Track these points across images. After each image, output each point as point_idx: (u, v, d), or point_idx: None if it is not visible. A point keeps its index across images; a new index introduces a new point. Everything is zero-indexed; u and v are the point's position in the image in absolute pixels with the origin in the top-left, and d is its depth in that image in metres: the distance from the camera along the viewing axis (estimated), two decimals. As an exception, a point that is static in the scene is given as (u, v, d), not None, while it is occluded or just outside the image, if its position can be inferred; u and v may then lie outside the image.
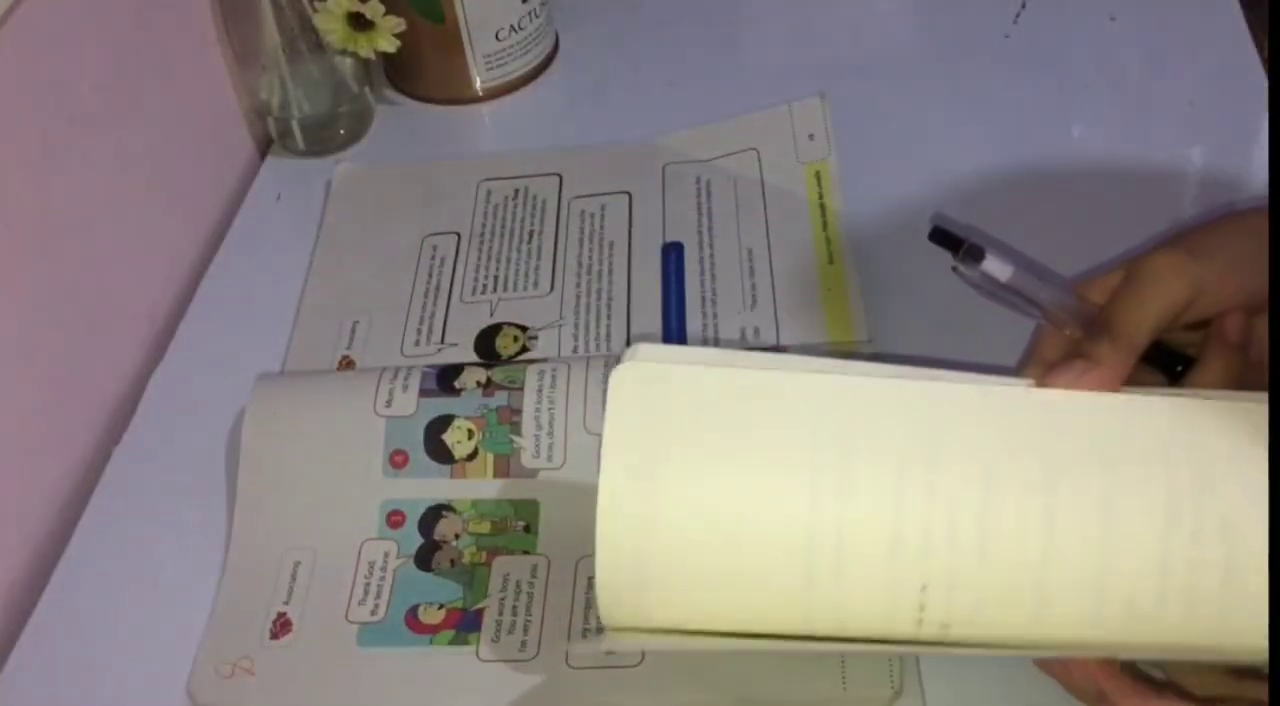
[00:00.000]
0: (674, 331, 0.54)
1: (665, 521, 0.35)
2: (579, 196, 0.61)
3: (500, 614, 0.45)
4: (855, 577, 0.35)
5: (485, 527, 0.47)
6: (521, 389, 0.48)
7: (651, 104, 0.67)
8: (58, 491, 0.53)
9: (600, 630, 0.43)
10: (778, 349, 0.52)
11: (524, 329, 0.55)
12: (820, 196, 0.59)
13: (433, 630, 0.45)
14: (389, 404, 0.49)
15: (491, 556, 0.47)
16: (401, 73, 0.70)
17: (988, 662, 0.41)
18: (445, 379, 0.49)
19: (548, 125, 0.67)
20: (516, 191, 0.62)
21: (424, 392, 0.49)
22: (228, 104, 0.67)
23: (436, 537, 0.47)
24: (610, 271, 0.57)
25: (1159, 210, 0.56)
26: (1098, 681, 0.37)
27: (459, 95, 0.69)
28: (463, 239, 0.60)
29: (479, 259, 0.59)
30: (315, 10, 0.63)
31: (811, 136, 0.61)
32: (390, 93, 0.71)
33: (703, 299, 0.55)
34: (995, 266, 0.38)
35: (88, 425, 0.55)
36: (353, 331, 0.56)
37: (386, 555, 0.47)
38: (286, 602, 0.46)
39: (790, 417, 0.36)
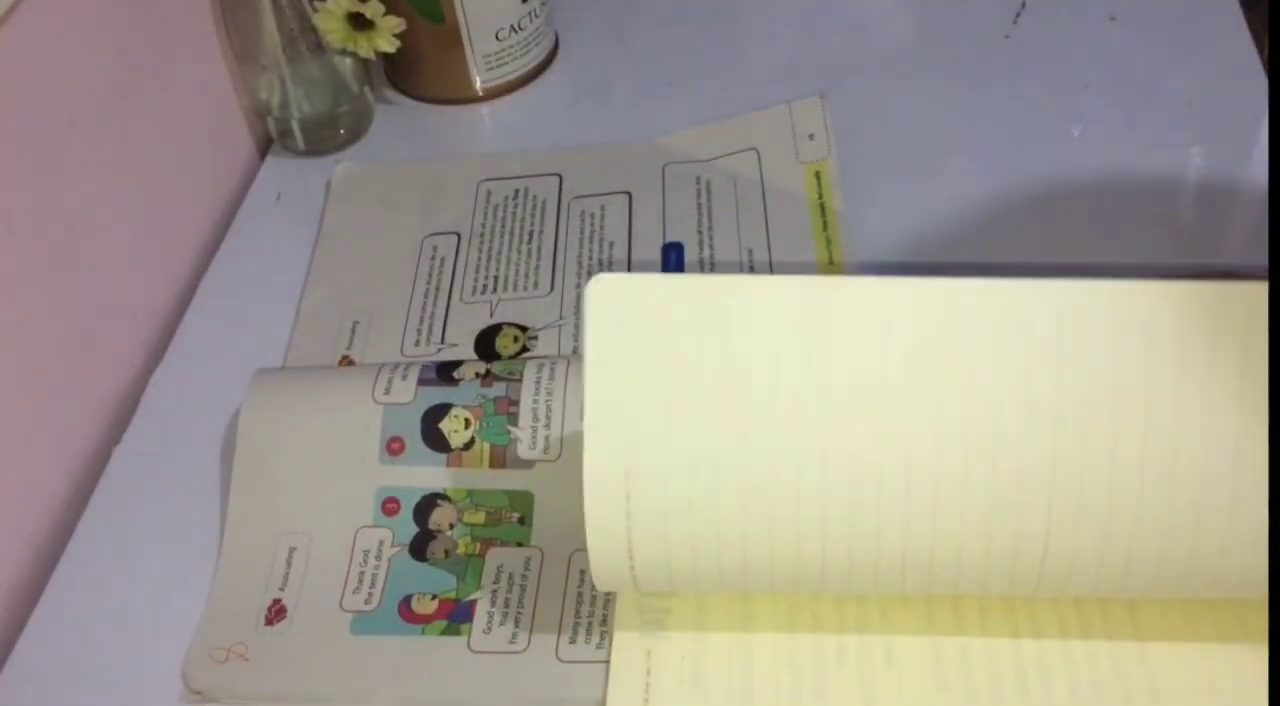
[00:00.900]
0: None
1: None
2: (579, 196, 0.61)
3: (493, 605, 0.45)
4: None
5: (480, 518, 0.47)
6: (519, 380, 0.49)
7: (651, 104, 0.67)
8: (58, 491, 0.53)
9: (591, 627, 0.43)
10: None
11: (524, 329, 0.55)
12: (820, 196, 0.59)
13: (425, 620, 0.45)
14: (387, 391, 0.49)
15: (486, 547, 0.47)
16: (401, 73, 0.70)
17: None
18: (445, 370, 0.49)
19: (548, 125, 0.67)
20: (516, 191, 0.62)
21: (422, 382, 0.49)
22: (228, 104, 0.67)
23: (431, 526, 0.47)
24: (610, 271, 0.57)
25: (1159, 210, 0.56)
26: None
27: (459, 95, 0.69)
28: (463, 239, 0.60)
29: (479, 259, 0.59)
30: (315, 10, 0.63)
31: (811, 136, 0.61)
32: (390, 93, 0.71)
33: (703, 299, 0.55)
34: None
35: (88, 425, 0.55)
36: (353, 331, 0.56)
37: (381, 543, 0.47)
38: (282, 589, 0.47)
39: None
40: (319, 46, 0.64)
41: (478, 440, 0.48)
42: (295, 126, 0.66)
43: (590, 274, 0.57)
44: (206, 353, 0.57)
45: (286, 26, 0.63)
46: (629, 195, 0.61)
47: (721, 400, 0.38)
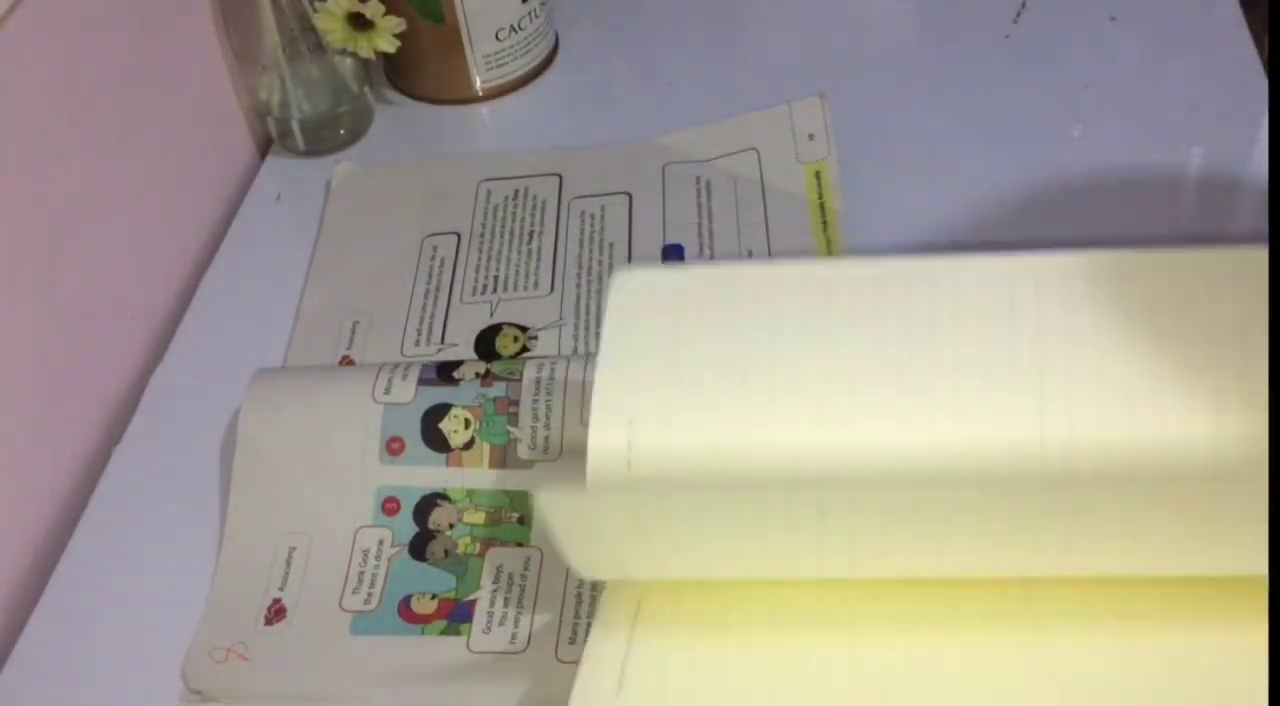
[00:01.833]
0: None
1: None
2: (579, 197, 0.61)
3: (492, 606, 0.45)
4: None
5: (480, 518, 0.47)
6: (519, 380, 0.49)
7: (651, 104, 0.67)
8: (58, 491, 0.53)
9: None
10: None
11: (524, 329, 0.55)
12: (820, 196, 0.59)
13: (425, 620, 0.45)
14: (387, 391, 0.49)
15: (485, 547, 0.47)
16: (401, 73, 0.70)
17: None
18: (445, 370, 0.49)
19: (548, 125, 0.67)
20: (516, 191, 0.62)
21: (423, 381, 0.49)
22: (228, 104, 0.67)
23: (431, 526, 0.47)
24: (611, 272, 0.57)
25: (1159, 210, 0.56)
26: None
27: (459, 95, 0.69)
28: (463, 239, 0.60)
29: (479, 259, 0.59)
30: (315, 10, 0.63)
31: (811, 136, 0.61)
32: (390, 93, 0.71)
33: (703, 299, 0.55)
34: None
35: (88, 425, 0.55)
36: (353, 331, 0.56)
37: (381, 542, 0.47)
38: (282, 589, 0.47)
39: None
40: (319, 46, 0.64)
41: (478, 440, 0.48)
42: (295, 126, 0.66)
43: (590, 274, 0.57)
44: (206, 353, 0.57)
45: (286, 26, 0.63)
46: (629, 195, 0.61)
47: (727, 376, 0.39)
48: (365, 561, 0.47)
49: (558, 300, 0.56)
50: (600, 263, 0.58)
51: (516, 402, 0.48)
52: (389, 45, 0.64)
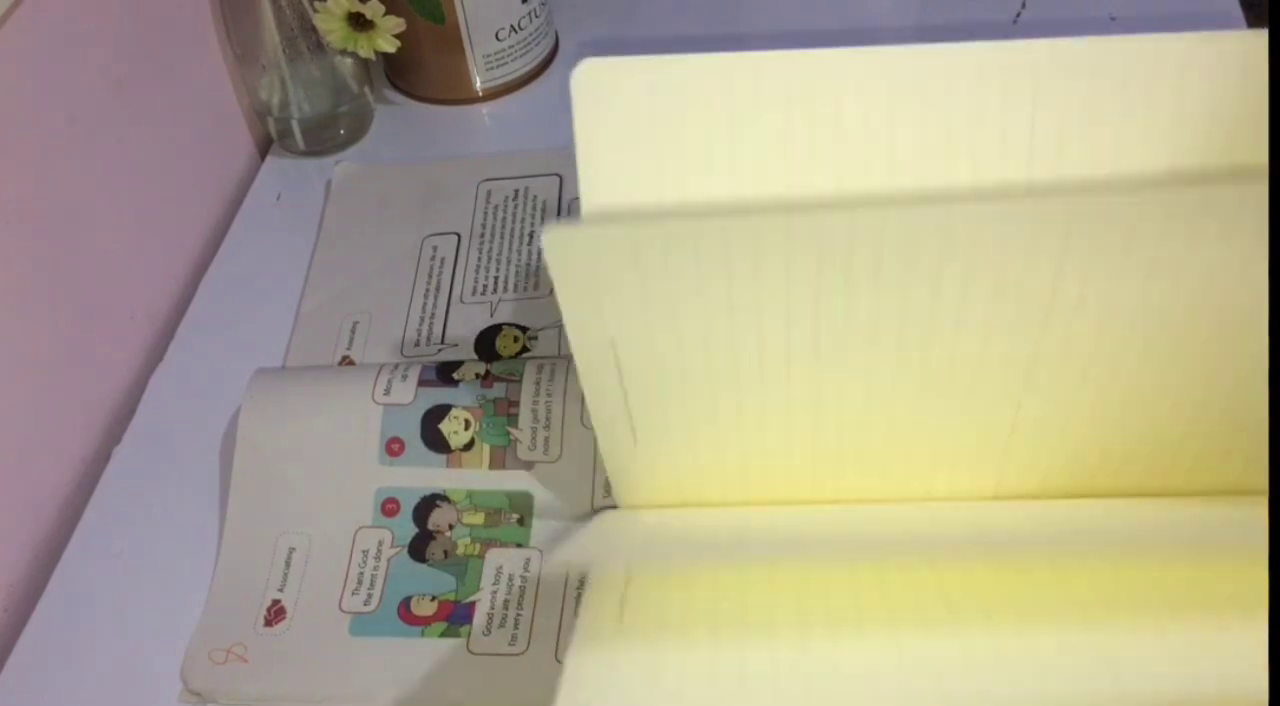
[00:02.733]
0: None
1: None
2: (579, 197, 0.61)
3: (492, 607, 0.45)
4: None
5: (479, 519, 0.47)
6: (519, 381, 0.49)
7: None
8: (58, 491, 0.53)
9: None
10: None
11: (524, 329, 0.55)
12: (820, 197, 0.59)
13: (424, 621, 0.45)
14: (387, 392, 0.49)
15: (485, 548, 0.47)
16: (401, 73, 0.70)
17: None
18: (445, 371, 0.49)
19: (548, 125, 0.67)
20: (516, 191, 0.62)
21: (423, 382, 0.49)
22: (228, 104, 0.67)
23: (430, 527, 0.47)
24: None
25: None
26: None
27: (459, 95, 0.69)
28: (463, 239, 0.60)
29: (479, 259, 0.59)
30: (315, 10, 0.63)
31: (811, 137, 0.61)
32: (390, 93, 0.71)
33: (702, 299, 0.55)
34: None
35: (88, 425, 0.55)
36: (353, 331, 0.56)
37: (380, 543, 0.47)
38: (281, 589, 0.47)
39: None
40: (319, 46, 0.64)
41: (477, 441, 0.48)
42: (295, 126, 0.66)
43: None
44: (206, 352, 0.57)
45: (286, 26, 0.63)
46: (629, 195, 0.61)
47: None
48: (365, 562, 0.47)
49: (558, 300, 0.56)
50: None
51: (516, 404, 0.48)
52: (389, 45, 0.64)
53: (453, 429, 0.48)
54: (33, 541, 0.51)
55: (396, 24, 0.64)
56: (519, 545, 0.47)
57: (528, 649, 0.44)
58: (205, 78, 0.65)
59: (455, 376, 0.49)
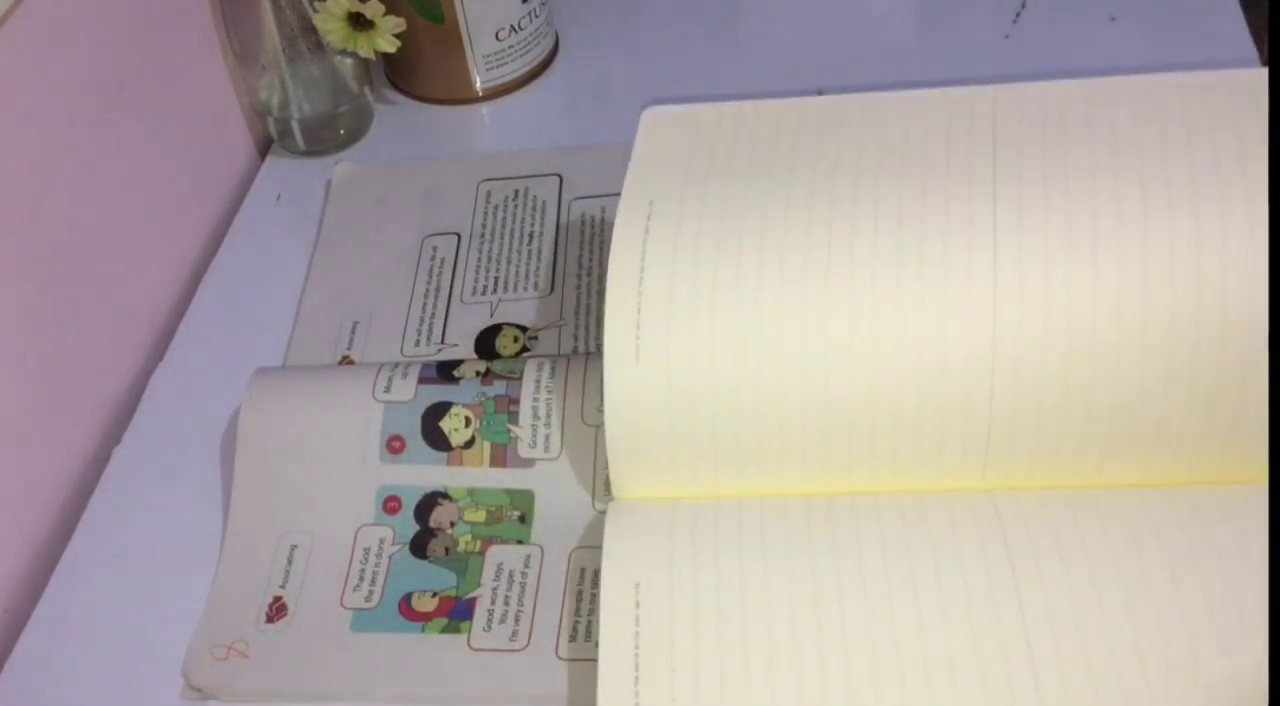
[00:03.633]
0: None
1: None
2: (579, 197, 0.61)
3: (492, 603, 0.45)
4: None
5: (480, 516, 0.47)
6: (520, 379, 0.49)
7: (651, 104, 0.67)
8: (58, 491, 0.53)
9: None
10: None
11: (524, 329, 0.55)
12: (820, 196, 0.58)
13: (425, 618, 0.45)
14: (388, 389, 0.49)
15: (486, 545, 0.47)
16: (401, 73, 0.70)
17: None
18: (445, 368, 0.49)
19: (548, 125, 0.67)
20: (516, 192, 0.62)
21: (423, 380, 0.49)
22: (228, 104, 0.67)
23: (432, 524, 0.47)
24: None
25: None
26: None
27: (459, 95, 0.69)
28: (463, 239, 0.60)
29: (479, 259, 0.59)
30: (315, 10, 0.63)
31: (811, 136, 0.61)
32: (390, 93, 0.71)
33: (703, 298, 0.55)
34: None
35: (88, 425, 0.55)
36: (353, 331, 0.56)
37: (382, 541, 0.47)
38: (283, 586, 0.47)
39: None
40: (319, 46, 0.64)
41: (478, 438, 0.48)
42: (295, 126, 0.66)
43: (590, 274, 0.57)
44: (206, 352, 0.57)
45: (286, 26, 0.63)
46: (629, 195, 0.61)
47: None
48: (366, 559, 0.47)
49: (558, 300, 0.56)
50: (601, 263, 0.58)
51: (517, 401, 0.48)
52: (389, 45, 0.64)
53: (453, 426, 0.48)
54: (33, 541, 0.51)
55: (396, 24, 0.64)
56: (520, 542, 0.47)
57: (528, 645, 0.44)
58: (205, 78, 0.65)
59: (456, 374, 0.49)
